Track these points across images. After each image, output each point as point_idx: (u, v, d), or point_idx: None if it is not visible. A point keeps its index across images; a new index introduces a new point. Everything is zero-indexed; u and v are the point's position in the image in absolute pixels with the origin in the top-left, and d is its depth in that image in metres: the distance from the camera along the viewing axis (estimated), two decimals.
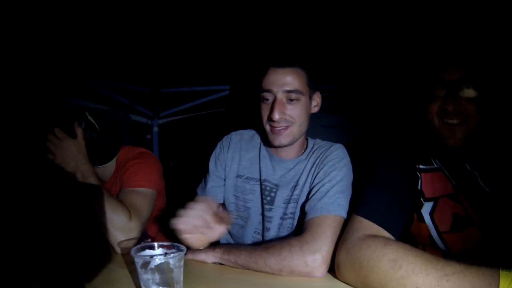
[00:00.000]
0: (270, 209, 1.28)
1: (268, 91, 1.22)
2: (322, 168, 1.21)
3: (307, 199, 1.18)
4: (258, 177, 1.33)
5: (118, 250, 1.25)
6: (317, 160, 1.26)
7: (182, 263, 0.84)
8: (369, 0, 1.87)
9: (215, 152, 1.44)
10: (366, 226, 0.95)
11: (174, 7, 1.93)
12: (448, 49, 1.00)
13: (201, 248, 1.12)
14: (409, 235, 1.12)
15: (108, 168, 1.62)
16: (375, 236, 0.90)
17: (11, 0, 1.70)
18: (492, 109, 1.00)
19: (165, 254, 0.86)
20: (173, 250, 0.87)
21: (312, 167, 1.26)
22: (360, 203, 1.02)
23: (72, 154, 1.34)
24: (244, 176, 1.35)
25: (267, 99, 1.24)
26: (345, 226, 1.01)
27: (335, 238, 1.01)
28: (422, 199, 1.07)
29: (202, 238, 1.09)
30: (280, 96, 1.21)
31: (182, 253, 0.84)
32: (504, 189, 0.98)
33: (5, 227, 1.41)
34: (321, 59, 1.31)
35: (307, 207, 1.14)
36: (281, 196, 1.28)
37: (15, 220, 1.50)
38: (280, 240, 1.06)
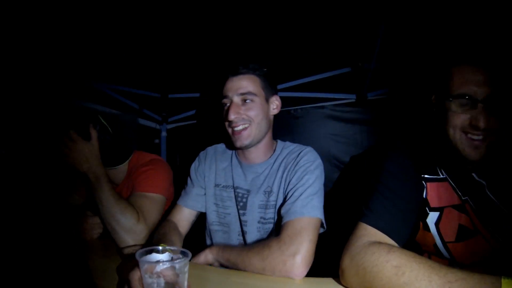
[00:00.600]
0: (244, 214, 1.34)
1: (226, 97, 1.33)
2: (295, 174, 1.25)
3: (283, 203, 1.22)
4: (232, 184, 1.40)
5: (124, 251, 1.26)
6: (289, 166, 1.30)
7: (187, 268, 0.84)
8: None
9: (194, 164, 1.52)
10: (370, 233, 0.96)
11: (184, 14, 1.96)
12: (477, 65, 0.99)
13: None
14: (414, 243, 1.13)
15: (120, 171, 1.65)
16: (379, 243, 0.91)
17: (25, 4, 1.74)
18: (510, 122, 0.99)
19: (171, 259, 0.87)
20: (179, 256, 0.87)
21: (284, 172, 1.30)
22: (365, 210, 1.02)
23: (85, 156, 1.38)
24: (221, 184, 1.42)
25: (226, 104, 1.34)
26: (350, 233, 1.01)
27: (312, 238, 1.05)
28: (427, 209, 1.08)
29: None
30: (236, 99, 1.31)
31: (187, 259, 0.84)
32: (511, 199, 0.99)
33: (10, 227, 1.43)
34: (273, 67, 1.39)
35: (282, 212, 1.18)
36: (253, 200, 1.33)
37: (21, 220, 1.53)
38: (263, 241, 1.12)
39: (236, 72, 1.33)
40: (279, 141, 1.45)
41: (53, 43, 2.14)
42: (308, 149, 1.34)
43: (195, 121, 3.21)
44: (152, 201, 1.47)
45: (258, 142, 1.35)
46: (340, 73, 2.60)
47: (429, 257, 1.08)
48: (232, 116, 1.28)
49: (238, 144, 1.32)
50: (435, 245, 1.08)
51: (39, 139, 2.26)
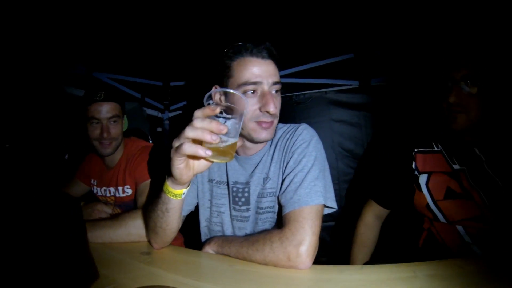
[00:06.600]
0: (248, 209, 1.25)
1: (255, 83, 1.11)
2: (291, 157, 1.17)
3: (282, 191, 1.14)
4: (226, 180, 1.29)
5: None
6: (285, 148, 1.21)
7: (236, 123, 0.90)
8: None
9: None
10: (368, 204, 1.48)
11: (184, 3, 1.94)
12: (458, 52, 1.22)
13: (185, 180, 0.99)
14: (412, 205, 1.37)
15: (116, 155, 1.74)
16: None
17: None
18: (495, 103, 1.20)
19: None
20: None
21: (280, 155, 1.22)
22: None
23: None
24: (214, 180, 1.31)
25: (253, 92, 1.13)
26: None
27: (315, 229, 1.02)
28: (417, 173, 1.34)
29: (190, 168, 0.97)
30: (268, 88, 1.13)
31: (235, 120, 0.89)
32: (507, 175, 1.18)
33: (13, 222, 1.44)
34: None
35: (283, 200, 1.11)
36: (254, 192, 1.24)
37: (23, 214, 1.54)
38: (263, 235, 1.06)
39: (266, 55, 1.13)
40: None
41: (53, 34, 2.13)
42: (303, 126, 1.24)
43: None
44: (148, 188, 1.53)
45: None
46: (343, 59, 2.58)
47: (422, 217, 1.37)
48: (273, 109, 1.09)
49: (263, 138, 1.15)
50: (427, 205, 1.29)
51: (43, 129, 2.26)
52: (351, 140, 2.49)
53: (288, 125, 1.29)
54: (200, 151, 0.85)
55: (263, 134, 1.14)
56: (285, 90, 2.70)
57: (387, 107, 2.39)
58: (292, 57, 2.62)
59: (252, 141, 1.18)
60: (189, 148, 0.87)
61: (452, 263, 0.96)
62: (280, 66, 1.22)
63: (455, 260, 0.97)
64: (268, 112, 1.11)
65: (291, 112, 2.64)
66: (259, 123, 1.13)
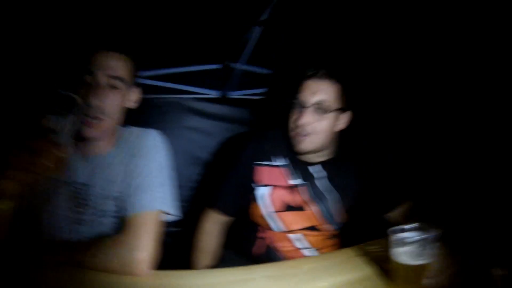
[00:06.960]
0: (88, 212, 1.13)
1: (87, 72, 1.05)
2: (138, 160, 1.13)
3: (125, 194, 1.10)
4: (64, 179, 1.14)
5: None
6: (132, 151, 1.16)
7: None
8: None
9: None
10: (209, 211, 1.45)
11: None
12: (306, 77, 1.31)
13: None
14: (247, 214, 1.45)
15: None
16: None
17: None
18: (339, 126, 1.32)
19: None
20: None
21: (125, 158, 1.16)
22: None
23: None
24: (51, 179, 1.14)
25: (88, 83, 1.05)
26: None
27: (155, 235, 1.02)
28: (255, 185, 1.39)
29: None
30: (100, 79, 1.05)
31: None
32: (345, 192, 1.36)
33: None
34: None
35: (124, 204, 1.08)
36: (95, 194, 1.14)
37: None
38: (100, 239, 1.03)
39: (113, 47, 1.08)
40: (122, 127, 1.23)
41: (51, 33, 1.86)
42: (153, 131, 1.21)
43: None
44: None
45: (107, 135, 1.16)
46: (207, 69, 2.60)
47: (257, 227, 1.43)
48: (94, 101, 1.03)
49: (84, 134, 1.07)
50: (262, 215, 1.38)
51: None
52: (201, 148, 2.50)
53: (138, 128, 1.23)
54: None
55: (84, 132, 1.06)
56: (144, 92, 2.58)
57: (244, 119, 2.51)
58: (155, 60, 2.52)
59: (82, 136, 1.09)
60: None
61: (286, 264, 1.04)
62: (144, 67, 1.15)
63: (288, 262, 1.06)
64: (89, 106, 1.02)
65: (144, 115, 2.51)
66: (81, 118, 1.03)
